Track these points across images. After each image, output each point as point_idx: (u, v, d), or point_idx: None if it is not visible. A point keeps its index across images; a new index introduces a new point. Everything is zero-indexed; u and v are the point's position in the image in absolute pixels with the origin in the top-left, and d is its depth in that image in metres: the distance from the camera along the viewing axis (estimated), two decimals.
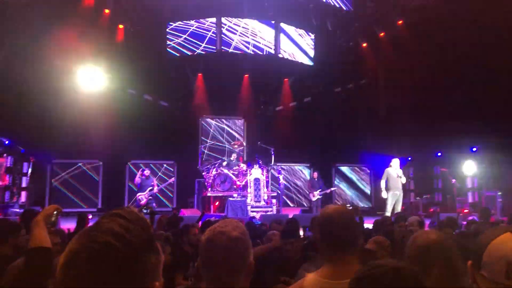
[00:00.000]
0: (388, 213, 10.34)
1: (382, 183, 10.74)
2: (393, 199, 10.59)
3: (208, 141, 15.65)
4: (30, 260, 1.96)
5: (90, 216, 8.46)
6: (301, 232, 6.53)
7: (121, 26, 13.43)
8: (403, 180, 10.78)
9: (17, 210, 11.03)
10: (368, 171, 16.96)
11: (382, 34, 14.46)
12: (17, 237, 3.98)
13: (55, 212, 2.28)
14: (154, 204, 11.93)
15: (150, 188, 11.86)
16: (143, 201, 11.70)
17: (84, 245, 0.87)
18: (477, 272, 1.31)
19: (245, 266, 1.50)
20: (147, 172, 12.09)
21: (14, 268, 2.69)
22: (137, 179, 11.92)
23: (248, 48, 14.48)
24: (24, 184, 13.21)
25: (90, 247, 0.86)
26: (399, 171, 10.71)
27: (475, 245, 1.38)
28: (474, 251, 1.36)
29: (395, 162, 10.79)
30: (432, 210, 13.24)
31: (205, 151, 15.28)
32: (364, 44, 15.30)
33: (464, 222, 7.65)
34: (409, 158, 15.61)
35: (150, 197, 11.85)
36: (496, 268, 1.25)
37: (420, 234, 2.02)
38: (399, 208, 10.55)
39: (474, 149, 13.34)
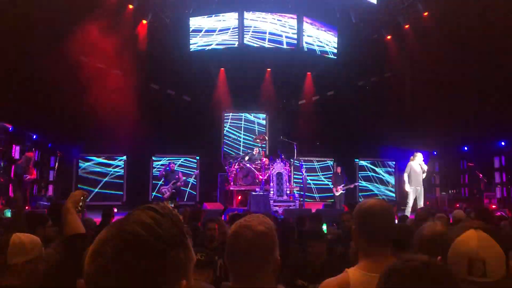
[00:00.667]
0: (409, 208, 10.26)
1: (405, 176, 10.60)
2: (415, 194, 10.46)
3: (231, 135, 15.69)
4: (69, 247, 1.98)
5: (116, 210, 8.58)
6: (324, 227, 6.49)
7: (144, 22, 13.55)
8: (423, 175, 10.59)
9: (45, 203, 11.29)
10: (393, 166, 16.74)
11: (406, 26, 14.19)
12: (44, 228, 4.12)
13: (82, 198, 2.28)
14: (178, 198, 12.01)
15: (174, 181, 11.90)
16: (167, 194, 11.78)
17: (113, 234, 0.87)
18: None
19: (270, 262, 1.48)
20: (173, 165, 12.16)
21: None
22: (161, 171, 12.07)
23: (270, 42, 14.42)
24: (51, 178, 13.53)
25: (119, 236, 0.86)
26: (423, 165, 10.53)
27: (444, 241, 1.46)
28: (443, 247, 1.43)
29: (419, 156, 10.62)
30: (458, 205, 12.98)
31: (228, 145, 15.32)
32: (389, 37, 15.05)
33: None
34: (434, 153, 15.33)
35: (173, 191, 11.89)
36: (459, 264, 1.32)
37: (427, 226, 2.09)
38: (421, 203, 10.39)
39: (503, 143, 13.02)
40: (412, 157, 10.72)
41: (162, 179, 12.21)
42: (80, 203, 2.23)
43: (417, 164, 10.55)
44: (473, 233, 1.37)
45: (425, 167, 10.54)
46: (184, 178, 12.36)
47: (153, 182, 14.53)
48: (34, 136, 12.33)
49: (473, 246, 1.33)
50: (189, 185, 14.24)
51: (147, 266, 0.84)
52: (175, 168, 12.24)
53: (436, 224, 2.07)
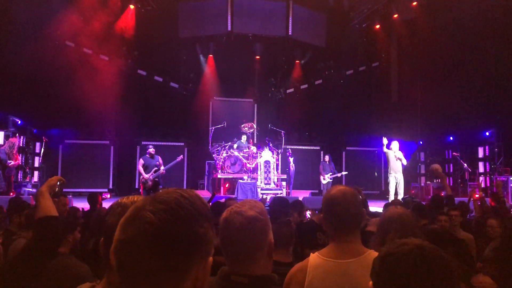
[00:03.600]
0: (392, 197, 10.42)
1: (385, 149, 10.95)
2: (395, 182, 10.68)
3: (219, 123, 15.60)
4: (39, 229, 1.98)
5: (109, 196, 8.46)
6: (308, 214, 6.51)
7: (132, 6, 13.36)
8: (404, 161, 10.76)
9: (30, 189, 11.17)
10: (379, 155, 16.83)
11: (395, 15, 14.21)
12: (20, 215, 4.16)
13: (58, 183, 2.32)
14: (161, 186, 11.05)
15: (156, 169, 10.73)
16: (149, 183, 10.84)
17: (149, 201, 0.88)
18: None
19: (263, 246, 1.50)
20: (152, 150, 10.73)
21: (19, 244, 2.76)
22: (139, 165, 11.02)
23: (259, 29, 14.31)
24: (36, 164, 13.38)
25: (155, 203, 0.87)
26: (398, 153, 10.72)
27: None
28: None
29: (395, 145, 10.83)
30: (442, 194, 13.15)
31: (216, 133, 15.25)
32: (377, 26, 15.06)
33: None
34: (420, 142, 15.48)
35: (156, 179, 10.88)
36: None
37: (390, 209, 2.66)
38: (401, 192, 10.60)
39: (487, 133, 13.19)
40: (390, 145, 10.92)
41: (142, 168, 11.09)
42: (56, 188, 2.28)
43: (393, 152, 10.77)
44: None
45: (399, 154, 10.73)
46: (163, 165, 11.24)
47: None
48: (19, 122, 12.16)
49: None
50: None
51: (186, 229, 0.85)
52: (153, 153, 11.02)
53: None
